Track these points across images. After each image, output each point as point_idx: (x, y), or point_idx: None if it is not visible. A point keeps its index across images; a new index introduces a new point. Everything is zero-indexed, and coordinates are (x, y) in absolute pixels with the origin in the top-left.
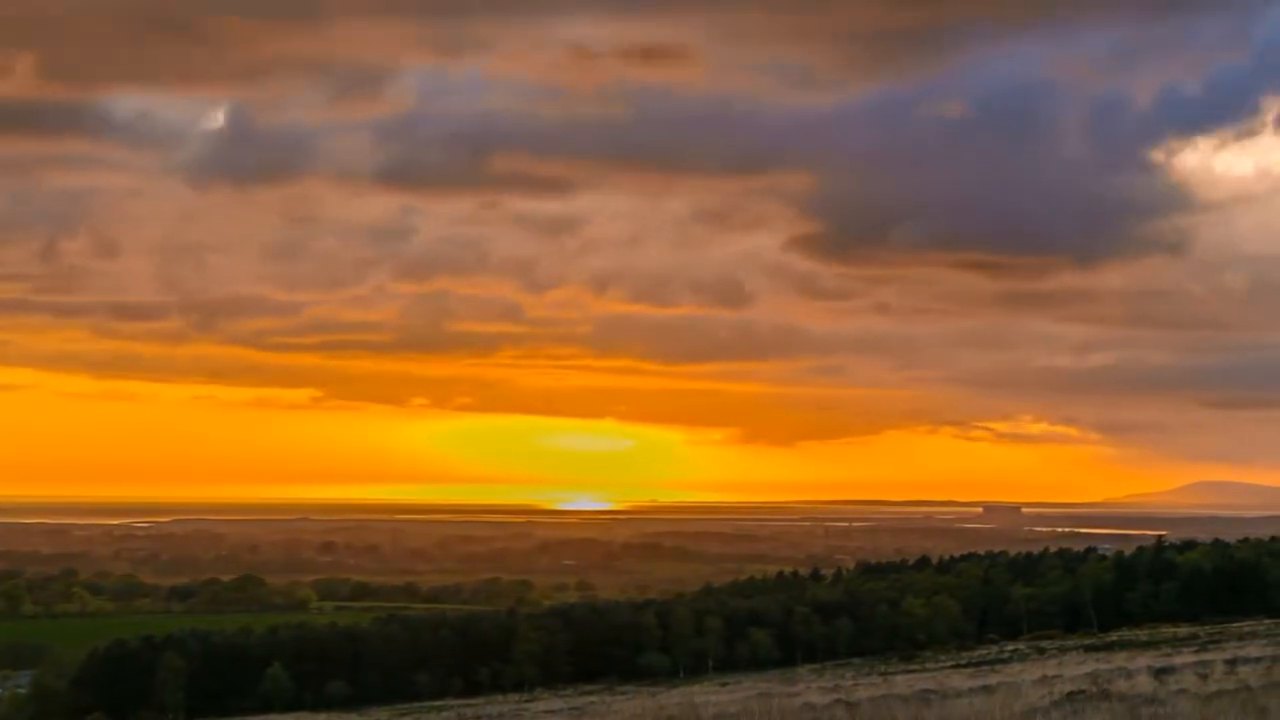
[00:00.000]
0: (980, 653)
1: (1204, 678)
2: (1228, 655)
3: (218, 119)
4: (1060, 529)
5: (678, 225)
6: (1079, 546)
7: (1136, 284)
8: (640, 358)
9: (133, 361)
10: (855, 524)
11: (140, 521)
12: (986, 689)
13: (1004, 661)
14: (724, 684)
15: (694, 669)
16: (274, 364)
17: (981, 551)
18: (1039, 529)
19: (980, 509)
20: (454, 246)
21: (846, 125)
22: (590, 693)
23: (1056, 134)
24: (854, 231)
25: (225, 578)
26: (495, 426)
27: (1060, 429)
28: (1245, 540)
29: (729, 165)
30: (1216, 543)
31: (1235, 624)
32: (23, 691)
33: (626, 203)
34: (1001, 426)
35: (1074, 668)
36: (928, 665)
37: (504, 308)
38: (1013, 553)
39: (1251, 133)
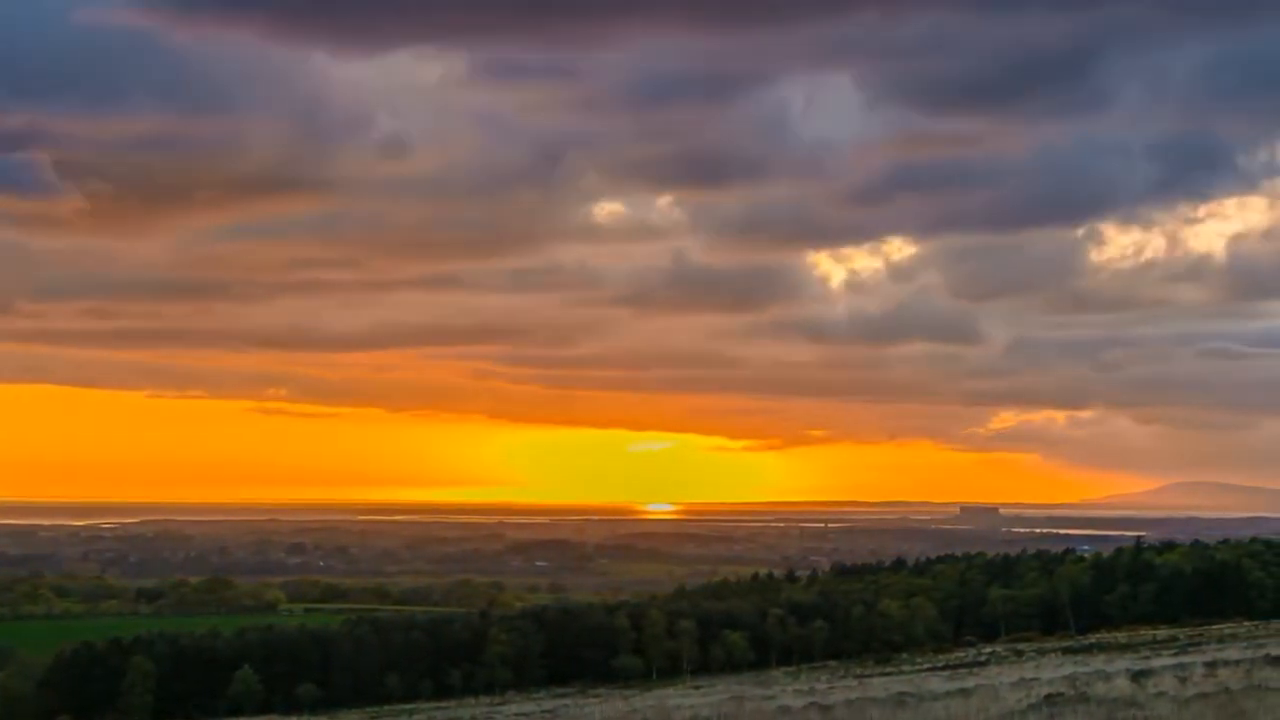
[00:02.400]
0: (957, 655)
1: (1183, 680)
2: (1207, 658)
3: None
4: (1038, 530)
5: None
6: (1057, 548)
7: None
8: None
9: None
10: (831, 525)
11: (108, 522)
12: (964, 692)
13: (981, 664)
14: (698, 686)
15: (668, 671)
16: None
17: (958, 553)
18: (1016, 530)
19: (957, 509)
20: None
21: None
22: (563, 695)
23: None
24: None
25: (194, 579)
26: (493, 430)
27: (1039, 429)
28: (1225, 541)
29: None
30: (1196, 544)
31: (1214, 626)
32: None
33: None
34: (982, 427)
35: (1052, 670)
36: (904, 668)
37: None
38: (990, 554)
39: None
